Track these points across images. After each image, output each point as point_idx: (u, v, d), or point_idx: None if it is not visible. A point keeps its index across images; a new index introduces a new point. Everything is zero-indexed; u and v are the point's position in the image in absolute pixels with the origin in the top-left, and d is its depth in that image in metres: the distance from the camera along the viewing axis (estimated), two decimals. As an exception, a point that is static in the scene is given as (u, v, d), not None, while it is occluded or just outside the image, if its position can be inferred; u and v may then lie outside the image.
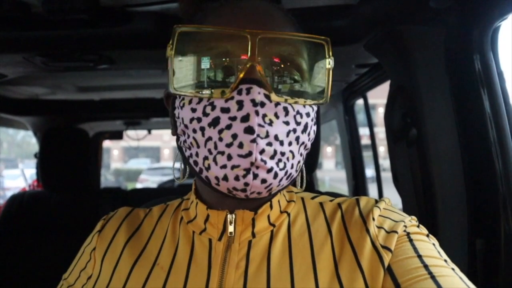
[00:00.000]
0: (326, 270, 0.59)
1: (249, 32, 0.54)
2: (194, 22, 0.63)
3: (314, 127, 0.63)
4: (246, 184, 0.54)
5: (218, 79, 0.57)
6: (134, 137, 3.58)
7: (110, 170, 22.39)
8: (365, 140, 2.77)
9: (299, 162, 0.60)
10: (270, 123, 0.54)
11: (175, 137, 0.67)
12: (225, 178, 0.55)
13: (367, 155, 2.70)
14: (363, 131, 2.57)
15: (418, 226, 0.62)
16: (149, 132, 3.65)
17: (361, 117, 2.61)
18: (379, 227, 0.61)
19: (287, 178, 0.59)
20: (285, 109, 0.56)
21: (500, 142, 0.93)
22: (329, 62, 0.58)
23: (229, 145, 0.54)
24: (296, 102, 0.57)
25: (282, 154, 0.56)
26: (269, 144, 0.54)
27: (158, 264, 0.64)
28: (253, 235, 0.63)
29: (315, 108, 0.62)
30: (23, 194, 2.25)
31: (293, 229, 0.64)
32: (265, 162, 0.54)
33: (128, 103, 2.63)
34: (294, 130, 0.57)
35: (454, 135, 1.01)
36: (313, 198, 0.71)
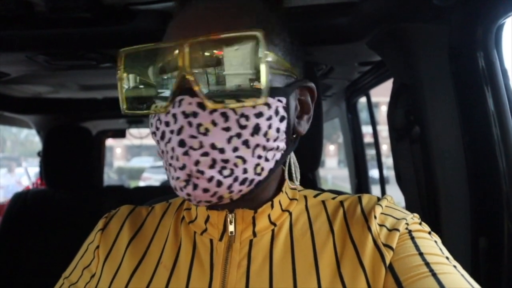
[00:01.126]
0: (328, 268, 0.59)
1: (176, 43, 0.53)
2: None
3: (278, 123, 0.58)
4: (188, 194, 0.55)
5: (160, 94, 0.58)
6: (137, 135, 3.59)
7: (113, 168, 22.42)
8: (368, 138, 2.77)
9: (257, 165, 0.57)
10: (206, 132, 0.53)
11: None
12: (175, 188, 0.56)
13: (371, 153, 2.70)
14: (366, 129, 2.56)
15: (420, 224, 0.62)
16: (152, 130, 3.64)
17: (364, 115, 2.60)
18: (381, 225, 0.61)
19: (241, 184, 0.56)
20: (224, 114, 0.53)
21: (504, 140, 0.93)
22: (265, 55, 0.52)
23: (172, 158, 0.55)
24: (236, 106, 0.53)
25: (225, 161, 0.54)
26: (205, 154, 0.53)
27: (161, 262, 0.64)
28: (254, 234, 0.63)
29: (277, 104, 0.57)
30: (26, 192, 2.26)
31: (295, 228, 0.64)
32: (202, 173, 0.53)
33: None
34: (239, 135, 0.54)
35: (458, 133, 1.01)
36: (315, 196, 0.71)
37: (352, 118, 2.39)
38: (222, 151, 0.54)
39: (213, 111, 0.53)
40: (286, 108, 0.59)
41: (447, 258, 0.56)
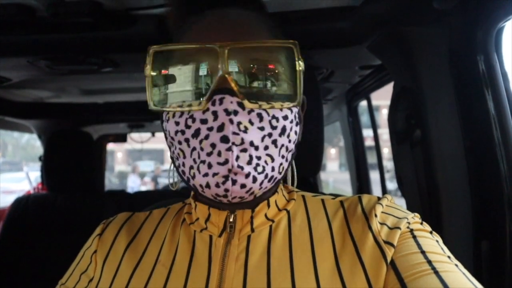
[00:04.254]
0: (327, 263, 0.59)
1: (218, 45, 0.56)
2: (175, 38, 0.67)
3: (296, 128, 0.64)
4: (226, 190, 0.56)
5: (194, 93, 0.59)
6: (138, 139, 3.59)
7: (114, 172, 22.43)
8: (369, 142, 2.77)
9: (281, 164, 0.62)
10: (245, 130, 0.57)
11: None
12: (208, 185, 0.57)
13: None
14: (367, 133, 2.56)
15: (421, 223, 0.63)
16: (153, 134, 3.66)
17: (364, 118, 2.61)
18: (382, 224, 0.61)
19: (268, 181, 0.60)
20: (259, 115, 0.58)
21: (505, 143, 0.93)
22: (299, 64, 0.59)
23: (209, 154, 0.56)
24: (271, 107, 0.59)
25: (258, 158, 0.58)
26: (244, 150, 0.57)
27: (159, 261, 0.65)
28: (252, 230, 0.64)
29: (295, 110, 0.63)
30: (27, 197, 2.26)
31: (293, 224, 0.66)
32: (242, 168, 0.56)
33: (132, 106, 2.63)
34: (270, 134, 0.59)
35: (458, 136, 1.01)
36: (314, 196, 0.72)
37: (353, 122, 2.39)
38: (257, 148, 0.58)
39: (250, 111, 0.57)
40: (299, 114, 0.65)
41: (448, 257, 0.57)
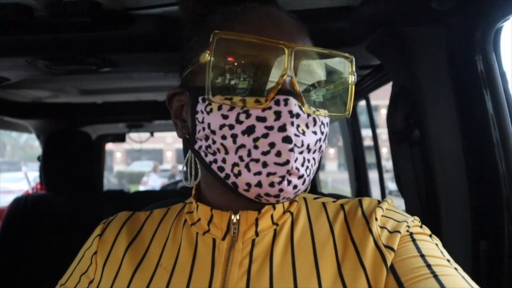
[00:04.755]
0: (329, 268, 0.59)
1: (285, 45, 0.55)
2: (214, 26, 0.62)
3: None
4: (281, 190, 0.56)
5: (252, 88, 0.57)
6: (137, 139, 3.59)
7: (113, 172, 22.40)
8: (367, 142, 2.77)
9: (317, 167, 0.63)
10: (303, 133, 0.57)
11: (177, 140, 0.67)
12: (259, 184, 0.56)
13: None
14: (366, 133, 2.56)
15: (421, 227, 0.63)
16: (152, 134, 3.65)
17: (363, 118, 2.61)
18: (382, 227, 0.61)
19: (309, 182, 0.62)
20: (314, 120, 0.59)
21: (503, 143, 0.93)
22: (353, 77, 0.61)
23: (265, 153, 0.55)
24: (324, 115, 0.60)
25: (309, 161, 0.59)
26: (301, 152, 0.57)
27: (161, 265, 0.64)
28: (257, 234, 0.63)
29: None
30: (26, 197, 2.26)
31: (296, 228, 0.65)
32: (298, 170, 0.56)
33: (130, 106, 2.63)
34: (320, 140, 0.61)
35: (457, 136, 1.01)
36: (315, 198, 0.72)
37: (351, 122, 2.39)
38: (309, 152, 0.59)
39: (308, 115, 0.58)
40: None
41: (448, 260, 0.57)
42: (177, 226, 0.69)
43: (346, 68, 0.62)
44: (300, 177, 0.57)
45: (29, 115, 2.55)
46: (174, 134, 0.73)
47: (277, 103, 0.55)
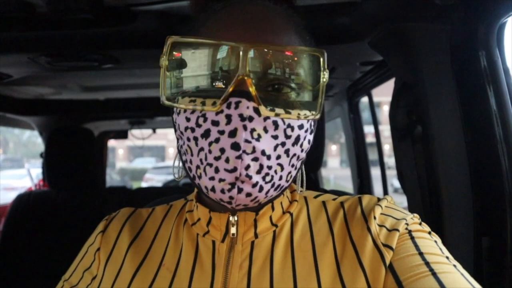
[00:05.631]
0: (328, 269, 0.59)
1: (240, 44, 0.53)
2: (194, 26, 0.63)
3: (310, 136, 0.62)
4: (231, 197, 0.55)
5: (210, 90, 0.56)
6: (139, 136, 3.59)
7: (116, 169, 22.43)
8: (370, 138, 2.76)
9: (289, 173, 0.60)
10: (258, 138, 0.54)
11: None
12: (213, 189, 0.56)
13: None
14: (368, 129, 2.56)
15: (420, 224, 0.63)
16: (154, 131, 3.66)
17: (366, 115, 2.60)
18: (381, 226, 0.61)
19: (275, 190, 0.59)
20: (275, 123, 0.55)
21: (506, 140, 0.93)
22: (324, 75, 0.57)
23: (217, 159, 0.54)
24: (287, 117, 0.56)
25: (269, 168, 0.56)
26: (255, 159, 0.54)
27: (164, 264, 0.64)
28: (256, 235, 0.63)
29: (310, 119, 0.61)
30: (29, 193, 2.27)
31: (295, 229, 0.65)
32: (250, 177, 0.54)
33: (133, 102, 2.63)
34: (283, 144, 0.57)
35: (460, 133, 1.00)
36: (316, 197, 0.71)
37: (354, 118, 2.39)
38: (269, 157, 0.55)
39: (266, 117, 0.54)
40: (314, 122, 0.62)
41: (447, 257, 0.56)
42: (179, 225, 0.69)
43: (317, 64, 0.57)
44: (254, 185, 0.55)
45: (32, 112, 2.56)
46: (176, 130, 0.73)
47: (229, 106, 0.53)
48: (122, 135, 3.71)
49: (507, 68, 0.96)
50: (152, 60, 1.51)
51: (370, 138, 2.75)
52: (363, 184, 2.43)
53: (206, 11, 0.64)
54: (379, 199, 0.66)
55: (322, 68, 0.57)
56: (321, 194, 0.73)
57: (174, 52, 0.57)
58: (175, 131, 0.63)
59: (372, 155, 2.59)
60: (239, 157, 0.53)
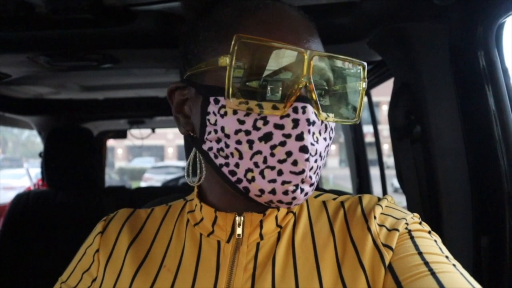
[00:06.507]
0: (330, 270, 0.59)
1: (306, 50, 0.54)
2: (222, 20, 0.61)
3: None
4: (294, 198, 0.56)
5: (270, 94, 0.56)
6: (138, 136, 3.59)
7: (115, 169, 22.42)
8: (369, 138, 2.77)
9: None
10: (317, 141, 0.57)
11: (179, 136, 0.67)
12: (273, 191, 0.56)
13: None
14: (367, 129, 2.56)
15: (420, 223, 0.63)
16: (153, 131, 3.65)
17: (365, 114, 2.60)
18: (381, 225, 0.61)
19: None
20: (325, 126, 0.59)
21: (505, 139, 0.93)
22: (364, 84, 0.61)
23: (281, 161, 0.55)
24: (336, 121, 0.60)
25: (319, 168, 0.60)
26: (316, 161, 0.58)
27: (164, 266, 0.64)
28: (261, 237, 0.63)
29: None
30: (28, 193, 2.26)
31: (297, 230, 0.65)
32: (311, 178, 0.57)
33: (132, 102, 2.63)
34: (328, 146, 0.61)
35: (459, 132, 1.01)
36: (316, 196, 0.71)
37: (353, 118, 2.38)
38: (321, 159, 0.60)
39: (321, 122, 0.58)
40: None
41: (446, 257, 0.56)
42: (180, 225, 0.69)
43: (358, 73, 0.61)
44: (311, 184, 0.58)
45: (31, 112, 2.55)
46: (175, 130, 0.73)
47: (295, 110, 0.55)
48: (121, 134, 3.71)
49: (506, 68, 0.96)
50: (151, 59, 1.52)
51: (369, 138, 2.75)
52: (362, 184, 2.43)
53: (227, 6, 0.62)
54: (379, 199, 0.66)
55: (362, 77, 0.61)
56: (321, 193, 0.73)
57: (239, 52, 0.54)
58: (206, 133, 0.60)
59: (371, 154, 2.60)
60: (307, 159, 0.55)
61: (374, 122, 2.32)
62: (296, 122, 0.55)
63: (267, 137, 0.55)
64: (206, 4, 0.66)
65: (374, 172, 2.48)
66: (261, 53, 0.55)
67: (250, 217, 0.63)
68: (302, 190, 0.57)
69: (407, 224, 0.61)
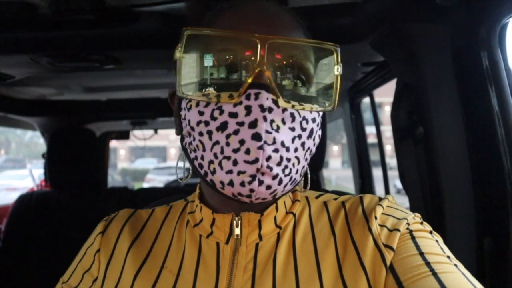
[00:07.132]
0: (330, 271, 0.59)
1: (258, 37, 0.53)
2: (203, 22, 0.63)
3: (319, 132, 0.63)
4: (252, 190, 0.54)
5: (226, 83, 0.56)
6: (140, 137, 3.60)
7: (117, 170, 22.45)
8: (371, 139, 2.76)
9: (303, 167, 0.61)
10: (277, 129, 0.55)
11: (179, 137, 0.67)
12: (231, 183, 0.55)
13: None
14: (370, 130, 2.56)
15: (421, 223, 0.62)
16: (156, 131, 3.66)
17: (367, 115, 2.60)
18: (382, 226, 0.61)
19: (291, 183, 0.59)
20: (292, 115, 0.56)
21: (508, 140, 0.93)
22: (337, 69, 0.58)
23: (236, 151, 0.54)
24: (303, 109, 0.57)
25: (288, 160, 0.56)
26: (276, 150, 0.54)
27: (166, 267, 0.64)
28: (260, 237, 0.63)
29: (321, 113, 0.62)
30: (31, 194, 2.27)
31: (297, 231, 0.64)
32: (271, 169, 0.54)
33: (134, 103, 2.64)
34: (300, 136, 0.57)
35: (462, 133, 1.00)
36: (317, 197, 0.71)
37: (355, 119, 2.38)
38: (288, 149, 0.56)
39: (284, 109, 0.55)
40: (323, 118, 0.64)
41: (448, 257, 0.56)
42: (181, 227, 0.69)
43: (331, 58, 0.58)
44: (274, 177, 0.55)
45: (34, 113, 2.56)
46: (177, 131, 0.73)
47: (248, 97, 0.54)
48: (123, 135, 3.71)
49: (509, 69, 0.96)
50: (154, 60, 1.52)
51: (371, 139, 2.74)
52: (364, 185, 2.42)
53: (211, 10, 0.64)
54: (380, 199, 0.66)
55: (335, 62, 0.57)
56: (323, 194, 0.72)
57: (189, 45, 0.56)
58: (182, 129, 0.63)
59: (374, 155, 2.59)
60: (260, 147, 0.53)
61: (377, 123, 2.32)
62: (248, 109, 0.53)
63: (223, 127, 0.55)
64: (197, 10, 0.67)
65: (377, 173, 2.47)
66: (213, 44, 0.56)
67: (248, 217, 0.63)
68: (261, 182, 0.54)
69: (408, 224, 0.60)
